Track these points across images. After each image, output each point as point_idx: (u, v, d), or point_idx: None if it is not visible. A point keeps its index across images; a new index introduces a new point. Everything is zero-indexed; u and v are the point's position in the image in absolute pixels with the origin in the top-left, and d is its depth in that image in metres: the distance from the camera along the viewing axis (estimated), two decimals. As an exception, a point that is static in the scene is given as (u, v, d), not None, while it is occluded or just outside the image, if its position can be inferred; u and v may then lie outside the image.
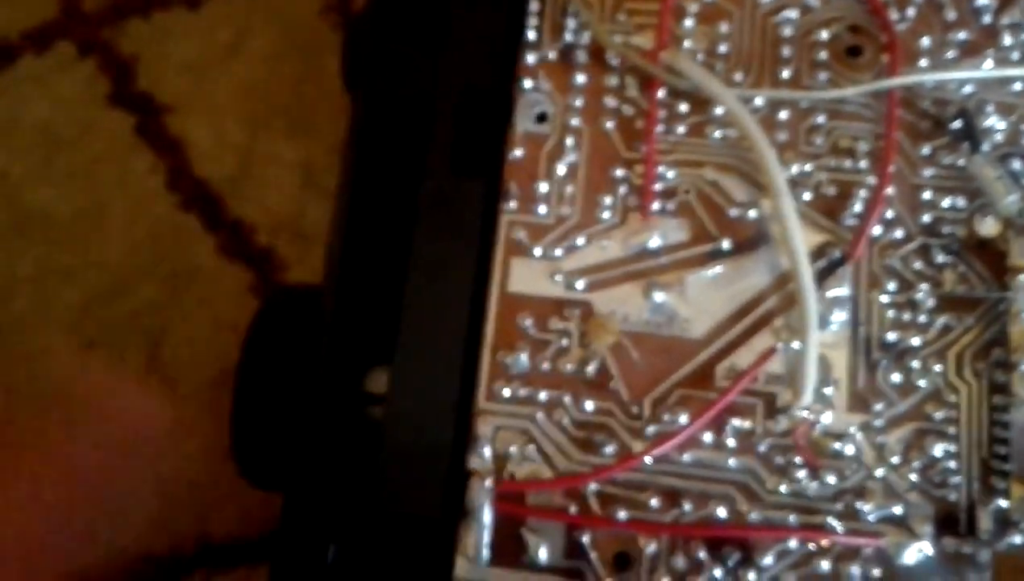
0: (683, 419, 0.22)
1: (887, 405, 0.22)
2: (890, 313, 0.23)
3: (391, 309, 0.23)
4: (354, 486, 0.23)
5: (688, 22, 0.25)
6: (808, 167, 0.24)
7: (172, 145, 0.36)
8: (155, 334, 0.34)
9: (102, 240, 0.35)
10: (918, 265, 0.23)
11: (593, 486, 0.22)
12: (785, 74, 0.25)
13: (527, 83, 0.25)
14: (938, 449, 0.22)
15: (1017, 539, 0.21)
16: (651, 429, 0.22)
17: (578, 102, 0.25)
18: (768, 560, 0.21)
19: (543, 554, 0.22)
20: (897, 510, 0.22)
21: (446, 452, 0.22)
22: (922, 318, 0.23)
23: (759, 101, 0.24)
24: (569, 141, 0.25)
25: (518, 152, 0.24)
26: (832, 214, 0.24)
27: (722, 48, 0.25)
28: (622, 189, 0.24)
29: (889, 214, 0.24)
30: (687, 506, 0.22)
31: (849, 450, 0.22)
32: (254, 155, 0.36)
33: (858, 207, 0.24)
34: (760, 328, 0.23)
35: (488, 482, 0.22)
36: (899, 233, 0.23)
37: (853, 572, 0.21)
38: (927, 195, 0.24)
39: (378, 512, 0.22)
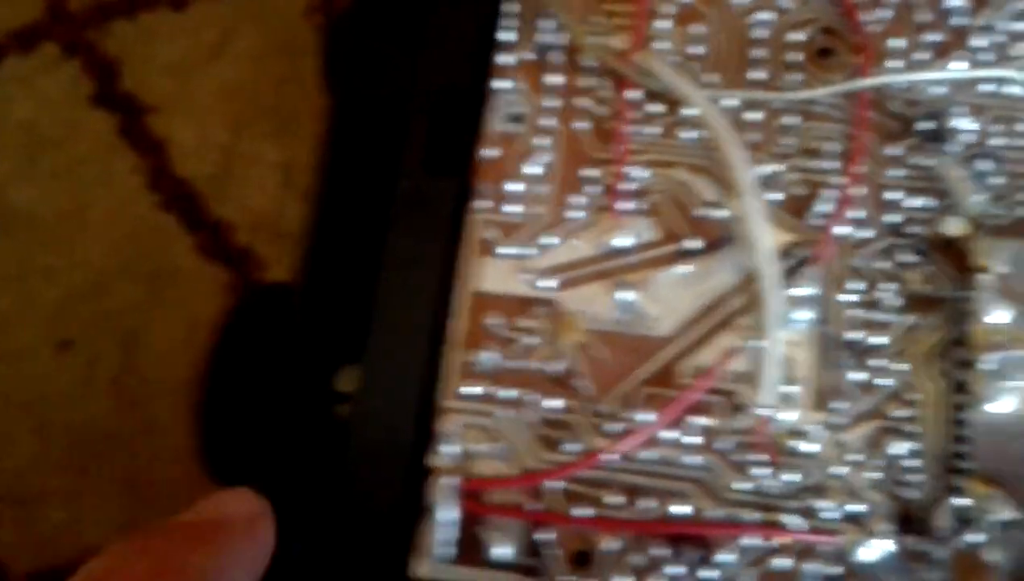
0: (649, 417, 0.22)
1: (851, 403, 0.22)
2: (856, 312, 0.23)
3: (363, 308, 0.23)
4: (320, 484, 0.23)
5: (665, 24, 0.25)
6: (779, 167, 0.24)
7: (155, 145, 0.36)
8: (132, 333, 0.34)
9: (85, 240, 0.35)
10: (885, 265, 0.23)
11: (557, 484, 0.22)
12: (759, 75, 0.25)
13: (502, 83, 0.25)
14: (900, 448, 0.22)
15: (976, 537, 0.21)
16: (616, 427, 0.22)
17: (553, 103, 0.25)
18: (728, 557, 0.21)
19: (503, 551, 0.22)
20: (858, 508, 0.22)
21: (409, 450, 0.22)
22: (888, 317, 0.23)
23: (732, 101, 0.24)
24: (543, 141, 0.25)
25: (491, 152, 0.24)
26: (802, 214, 0.24)
27: (699, 49, 0.25)
28: (595, 189, 0.24)
29: (857, 214, 0.24)
30: (649, 503, 0.22)
31: (811, 448, 0.22)
32: (237, 155, 0.36)
33: (826, 207, 0.24)
34: (726, 327, 0.23)
35: (451, 480, 0.22)
36: (867, 233, 0.23)
37: (813, 569, 0.21)
38: (895, 195, 0.24)
39: (343, 510, 0.22)
